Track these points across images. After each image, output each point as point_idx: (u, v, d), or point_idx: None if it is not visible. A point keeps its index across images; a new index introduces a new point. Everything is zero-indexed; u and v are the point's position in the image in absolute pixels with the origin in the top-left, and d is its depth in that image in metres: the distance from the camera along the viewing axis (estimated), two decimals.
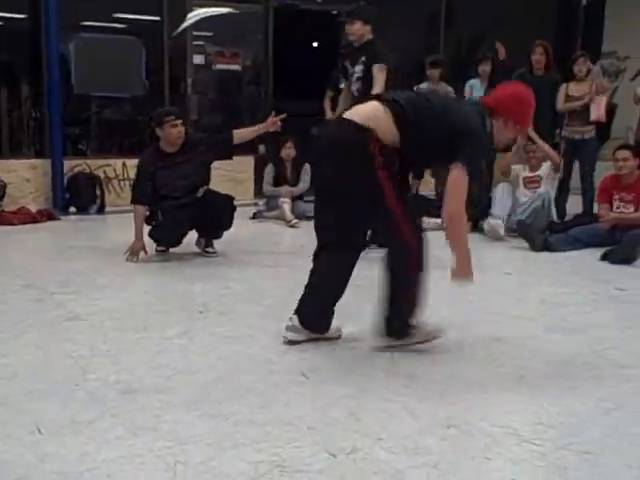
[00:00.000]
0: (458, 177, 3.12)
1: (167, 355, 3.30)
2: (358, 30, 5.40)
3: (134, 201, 5.31)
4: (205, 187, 5.38)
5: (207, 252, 5.45)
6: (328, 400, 2.82)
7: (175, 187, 5.26)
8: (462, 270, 3.24)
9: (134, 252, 5.16)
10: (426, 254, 3.32)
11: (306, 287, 3.45)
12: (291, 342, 3.42)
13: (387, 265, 3.36)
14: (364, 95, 5.24)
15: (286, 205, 7.10)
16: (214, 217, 5.30)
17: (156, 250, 5.40)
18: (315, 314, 3.45)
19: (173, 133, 5.19)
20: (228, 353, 3.34)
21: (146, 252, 5.22)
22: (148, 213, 5.31)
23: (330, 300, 3.44)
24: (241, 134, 5.44)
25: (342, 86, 5.75)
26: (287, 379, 3.03)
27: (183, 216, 5.20)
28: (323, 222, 3.41)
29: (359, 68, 5.44)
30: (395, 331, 3.41)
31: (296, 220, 6.89)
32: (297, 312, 3.43)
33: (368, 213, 3.31)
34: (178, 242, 5.35)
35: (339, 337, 3.52)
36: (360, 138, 3.11)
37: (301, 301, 3.45)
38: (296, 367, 3.16)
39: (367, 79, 5.35)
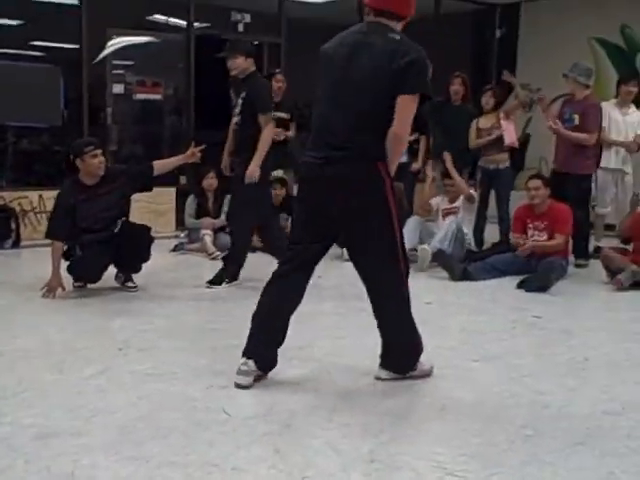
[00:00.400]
0: (407, 103, 3.13)
1: (85, 395, 3.20)
2: (240, 64, 5.37)
3: (51, 236, 5.13)
4: (122, 219, 5.30)
5: (127, 287, 5.34)
6: (252, 438, 2.80)
7: (96, 219, 5.16)
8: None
9: (51, 289, 5.01)
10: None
11: (255, 327, 3.39)
12: (244, 387, 3.32)
13: (380, 296, 3.39)
14: (243, 130, 5.35)
15: (207, 237, 7.03)
16: (131, 250, 5.19)
17: (73, 286, 5.28)
18: (268, 352, 3.40)
19: (94, 164, 5.08)
20: (149, 391, 3.27)
21: (63, 288, 5.07)
22: (65, 248, 5.18)
23: (281, 334, 3.40)
24: (161, 165, 5.42)
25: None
26: (210, 417, 2.99)
27: (102, 250, 5.11)
28: (307, 252, 3.37)
29: (240, 102, 5.42)
30: (394, 364, 3.47)
31: (218, 252, 6.83)
32: (251, 356, 3.34)
33: (374, 240, 3.29)
34: (98, 277, 5.24)
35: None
36: (372, 168, 3.17)
37: (253, 344, 3.36)
38: (219, 404, 3.12)
39: (245, 114, 5.35)
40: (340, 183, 3.18)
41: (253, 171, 5.23)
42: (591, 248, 7.01)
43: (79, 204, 5.10)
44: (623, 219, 6.40)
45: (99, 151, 5.10)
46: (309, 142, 3.36)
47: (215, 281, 5.54)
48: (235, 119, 5.49)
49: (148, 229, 5.33)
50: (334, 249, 5.96)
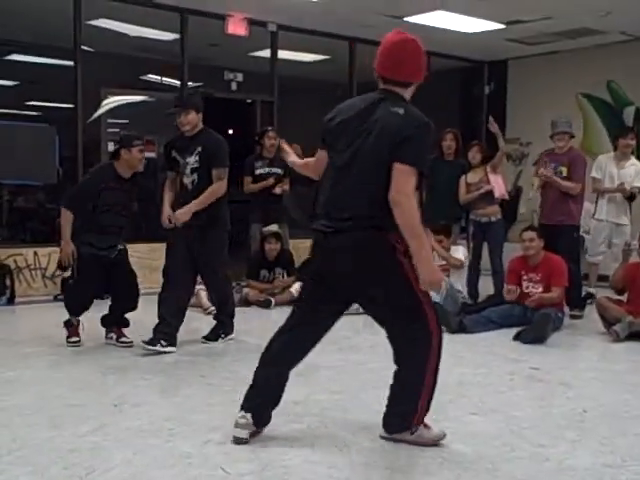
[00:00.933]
0: (400, 171, 3.03)
1: (81, 453, 3.16)
2: (193, 119, 5.29)
3: (66, 206, 5.31)
4: (122, 246, 5.44)
5: (122, 342, 5.35)
6: None
7: (112, 211, 5.30)
8: (426, 273, 3.06)
9: (65, 255, 5.24)
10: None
11: (255, 383, 3.35)
12: (242, 441, 3.28)
13: (404, 354, 3.27)
14: (202, 187, 5.25)
15: (202, 292, 7.00)
16: (122, 301, 5.42)
17: (67, 341, 5.29)
18: (264, 411, 3.36)
19: (138, 157, 5.34)
20: (145, 448, 3.23)
21: (74, 256, 5.25)
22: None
23: (279, 395, 3.36)
24: None
25: (169, 178, 5.63)
26: (206, 474, 2.95)
27: (96, 278, 5.30)
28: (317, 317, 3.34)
29: (193, 159, 5.29)
30: (388, 423, 3.38)
31: (213, 308, 6.81)
32: (248, 410, 3.30)
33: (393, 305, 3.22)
34: (86, 307, 5.37)
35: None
36: (380, 238, 3.11)
37: (252, 399, 3.33)
38: (216, 461, 3.08)
39: (203, 169, 5.27)
40: (349, 252, 3.13)
41: (184, 214, 5.24)
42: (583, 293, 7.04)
43: (106, 190, 5.27)
44: (616, 270, 6.43)
45: (144, 147, 5.39)
46: (319, 209, 3.34)
47: (210, 337, 5.52)
48: (189, 179, 5.32)
49: (135, 277, 5.52)
50: None
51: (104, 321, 5.46)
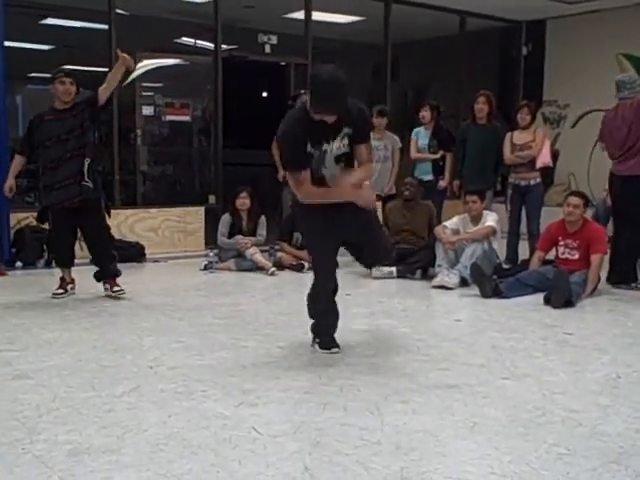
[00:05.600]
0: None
1: (117, 413, 3.23)
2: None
3: (17, 151, 5.82)
4: (88, 161, 5.54)
5: (115, 293, 5.67)
6: (281, 456, 2.79)
7: (59, 139, 5.48)
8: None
9: (4, 189, 5.80)
10: None
11: None
12: None
13: None
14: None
15: (257, 255, 7.10)
16: (94, 253, 5.79)
17: (52, 293, 5.71)
18: None
19: (59, 89, 5.49)
20: (179, 409, 3.29)
21: (12, 189, 5.81)
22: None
23: None
24: (104, 86, 5.61)
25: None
26: (239, 435, 2.99)
27: (69, 225, 5.65)
28: None
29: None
30: None
31: (274, 268, 6.92)
32: None
33: None
34: (70, 258, 5.79)
35: None
36: None
37: None
38: (248, 422, 3.13)
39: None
40: None
41: None
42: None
43: (44, 122, 5.57)
44: None
45: (67, 79, 5.51)
46: None
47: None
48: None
49: (105, 228, 5.76)
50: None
51: (96, 276, 5.82)
